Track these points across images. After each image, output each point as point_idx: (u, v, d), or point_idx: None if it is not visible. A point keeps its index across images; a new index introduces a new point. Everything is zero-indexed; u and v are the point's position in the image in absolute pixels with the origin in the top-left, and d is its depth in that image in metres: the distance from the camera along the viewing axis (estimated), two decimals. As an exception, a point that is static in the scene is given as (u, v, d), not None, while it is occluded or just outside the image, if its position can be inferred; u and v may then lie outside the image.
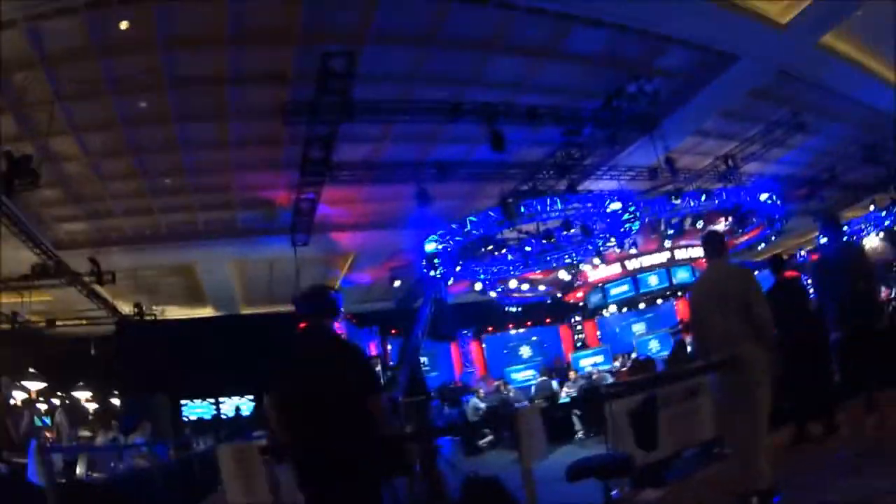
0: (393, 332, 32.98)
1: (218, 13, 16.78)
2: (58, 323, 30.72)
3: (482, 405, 22.00)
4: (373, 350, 31.99)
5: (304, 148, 20.85)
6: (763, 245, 32.48)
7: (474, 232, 25.08)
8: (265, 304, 33.86)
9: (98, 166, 23.17)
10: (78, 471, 15.48)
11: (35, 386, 27.56)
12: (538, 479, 7.04)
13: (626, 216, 24.85)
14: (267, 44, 18.39)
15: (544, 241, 25.49)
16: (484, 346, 35.93)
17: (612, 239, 26.57)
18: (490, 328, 36.11)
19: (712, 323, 8.04)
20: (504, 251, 27.11)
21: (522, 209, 23.75)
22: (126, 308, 31.62)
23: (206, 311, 35.54)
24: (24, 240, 23.35)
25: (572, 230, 24.25)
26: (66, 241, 27.11)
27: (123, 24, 16.77)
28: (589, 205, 24.77)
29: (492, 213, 24.41)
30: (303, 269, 29.41)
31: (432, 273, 26.72)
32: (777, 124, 25.80)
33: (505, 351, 35.38)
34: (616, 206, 24.37)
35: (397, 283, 31.04)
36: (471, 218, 25.01)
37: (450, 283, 27.74)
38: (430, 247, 25.75)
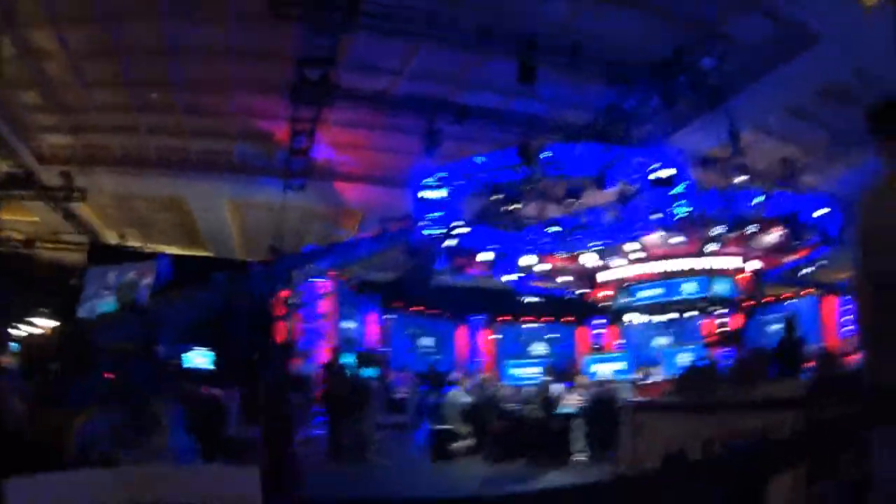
0: (395, 304, 28.87)
1: None
2: (37, 244, 27.35)
3: (465, 399, 17.20)
4: (374, 322, 28.06)
5: (301, 65, 17.25)
6: (809, 269, 27.80)
7: (481, 175, 20.02)
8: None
9: (80, 69, 19.81)
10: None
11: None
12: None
13: (677, 189, 20.12)
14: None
15: (568, 205, 20.95)
16: (495, 335, 31.88)
17: (656, 215, 21.14)
18: (505, 317, 32.03)
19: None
20: (518, 209, 22.51)
21: (546, 153, 18.90)
22: (113, 239, 28.12)
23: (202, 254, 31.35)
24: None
25: (607, 191, 19.69)
26: (49, 155, 23.84)
27: None
28: (631, 165, 19.94)
29: (504, 156, 19.28)
30: (307, 222, 25.70)
31: (429, 231, 21.86)
32: (844, 133, 21.30)
33: (516, 344, 31.16)
34: (667, 173, 19.42)
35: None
36: (478, 158, 19.81)
37: (448, 243, 22.63)
38: (426, 193, 20.59)
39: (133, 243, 28.33)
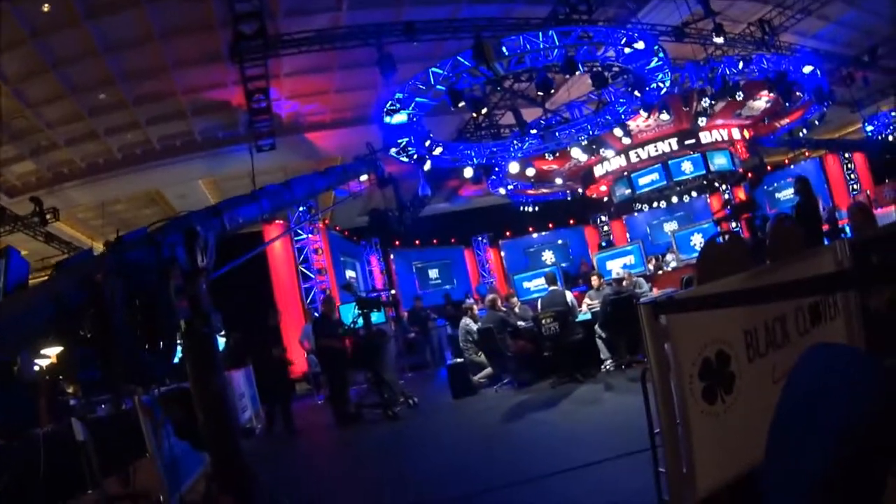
0: (397, 243, 27.81)
1: None
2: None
3: (474, 327, 15.34)
4: (375, 267, 27.16)
5: (234, 23, 16.07)
6: (805, 131, 26.67)
7: (440, 87, 18.16)
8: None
9: (20, 92, 18.87)
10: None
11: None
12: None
13: (654, 63, 18.78)
14: None
15: (543, 101, 19.53)
16: (502, 252, 30.98)
17: (636, 93, 19.56)
18: (508, 232, 31.07)
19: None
20: (490, 115, 21.54)
21: (504, 49, 17.10)
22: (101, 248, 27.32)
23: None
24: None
25: (581, 77, 18.24)
26: (20, 186, 23.19)
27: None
28: (601, 45, 18.16)
29: (462, 59, 17.58)
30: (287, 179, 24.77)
31: (403, 158, 20.42)
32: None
33: (525, 258, 30.30)
34: (639, 45, 17.57)
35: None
36: (434, 69, 17.96)
37: (426, 167, 20.86)
38: (390, 118, 18.84)
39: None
